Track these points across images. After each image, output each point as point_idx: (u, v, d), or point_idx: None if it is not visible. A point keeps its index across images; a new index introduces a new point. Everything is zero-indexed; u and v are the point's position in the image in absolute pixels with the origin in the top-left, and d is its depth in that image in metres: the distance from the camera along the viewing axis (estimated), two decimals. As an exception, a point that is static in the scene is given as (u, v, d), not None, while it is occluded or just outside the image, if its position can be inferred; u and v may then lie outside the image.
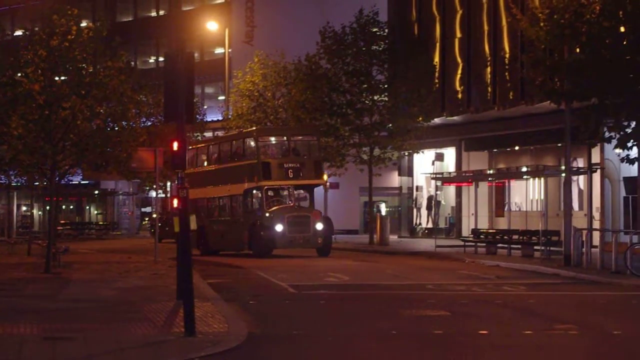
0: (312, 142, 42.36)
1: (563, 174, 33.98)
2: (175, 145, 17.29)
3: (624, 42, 28.18)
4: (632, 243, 28.92)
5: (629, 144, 29.17)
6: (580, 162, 41.81)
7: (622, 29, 28.33)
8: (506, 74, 44.34)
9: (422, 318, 18.64)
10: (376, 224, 48.92)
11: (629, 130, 28.95)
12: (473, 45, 48.18)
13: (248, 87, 57.25)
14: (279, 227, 39.18)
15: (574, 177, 39.91)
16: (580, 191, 43.72)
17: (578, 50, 29.92)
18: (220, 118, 66.28)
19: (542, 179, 38.97)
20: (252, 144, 41.68)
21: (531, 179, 43.02)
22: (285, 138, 42.22)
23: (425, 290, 24.15)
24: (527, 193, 44.93)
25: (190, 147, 47.86)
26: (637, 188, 39.30)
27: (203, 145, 47.99)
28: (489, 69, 46.55)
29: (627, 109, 28.49)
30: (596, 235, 32.60)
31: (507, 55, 44.10)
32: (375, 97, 49.30)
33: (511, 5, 34.66)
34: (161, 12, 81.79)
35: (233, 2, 75.48)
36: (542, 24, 30.34)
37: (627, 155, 29.70)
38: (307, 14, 68.45)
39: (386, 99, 49.15)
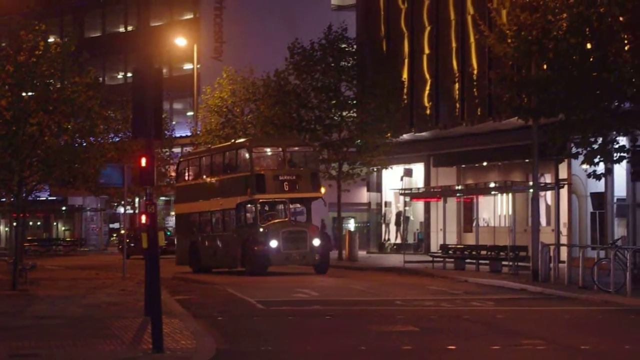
0: (309, 153, 40.93)
1: (531, 190, 34.12)
2: (143, 161, 17.23)
3: (591, 59, 28.36)
4: (599, 258, 29.06)
5: (596, 160, 29.33)
6: (548, 178, 42.01)
7: (589, 46, 28.52)
8: (474, 90, 44.52)
9: (391, 334, 18.64)
10: (345, 240, 48.92)
11: (595, 146, 29.13)
12: (441, 61, 48.38)
13: (217, 102, 57.20)
14: (273, 243, 37.24)
15: (542, 193, 40.10)
16: (547, 207, 43.93)
17: (545, 66, 30.09)
18: (189, 134, 66.16)
19: (510, 194, 39.10)
20: (246, 155, 39.68)
21: (499, 195, 43.19)
22: (280, 149, 40.09)
23: (394, 306, 24.17)
24: (495, 209, 45.08)
25: (181, 159, 47.15)
26: (604, 203, 39.65)
27: (195, 156, 45.92)
28: (457, 85, 46.74)
29: (593, 125, 28.66)
30: (564, 251, 32.74)
31: (475, 72, 44.33)
32: (344, 113, 49.38)
33: (479, 22, 34.83)
34: (129, 28, 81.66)
35: (202, 18, 75.50)
36: (509, 41, 30.50)
37: (594, 171, 29.87)
38: (276, 30, 68.56)
39: (355, 115, 49.26)
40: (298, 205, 40.04)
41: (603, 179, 31.78)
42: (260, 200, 38.32)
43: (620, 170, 34.91)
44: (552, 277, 30.43)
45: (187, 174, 44.72)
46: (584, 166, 30.40)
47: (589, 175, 30.48)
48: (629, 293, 25.40)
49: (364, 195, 60.26)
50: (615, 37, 27.50)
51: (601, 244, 36.81)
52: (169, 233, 62.87)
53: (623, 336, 18.35)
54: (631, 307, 23.42)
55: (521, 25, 29.78)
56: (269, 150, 40.81)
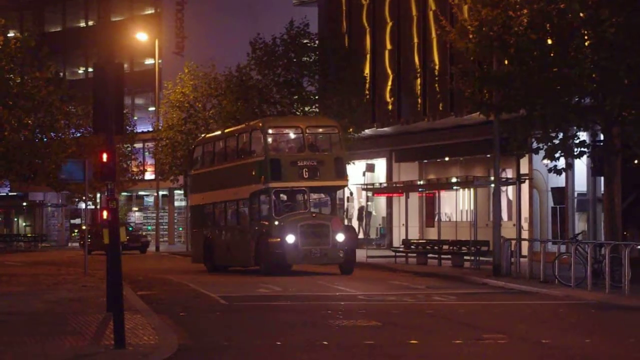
0: (333, 135, 35.77)
1: (492, 185, 34.31)
2: (104, 157, 17.14)
3: (551, 54, 28.52)
4: (559, 252, 29.27)
5: (557, 155, 29.52)
6: (509, 173, 42.26)
7: (549, 42, 28.68)
8: (436, 85, 44.72)
9: (353, 328, 18.67)
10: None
11: (556, 141, 29.31)
12: (403, 57, 48.50)
13: (178, 98, 57.07)
14: (290, 239, 33.05)
15: (503, 188, 40.35)
16: (509, 201, 44.17)
17: (506, 62, 30.24)
18: (151, 129, 65.93)
19: (472, 189, 39.30)
20: (259, 137, 35.00)
21: (461, 190, 43.39)
22: (299, 130, 35.28)
23: (357, 301, 24.21)
24: (457, 203, 45.29)
25: (195, 145, 42.91)
26: (565, 198, 39.91)
27: (208, 141, 41.28)
28: (418, 81, 46.88)
29: (554, 120, 28.84)
30: (525, 245, 32.99)
31: (437, 67, 44.49)
32: (306, 108, 49.35)
33: (440, 17, 34.93)
34: (90, 23, 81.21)
35: (163, 13, 75.20)
36: (471, 36, 30.62)
37: (555, 165, 30.07)
38: (238, 25, 68.41)
39: (317, 110, 49.26)
40: (322, 195, 36.24)
41: (564, 174, 32.00)
42: (276, 189, 34.18)
43: (581, 165, 35.17)
44: (514, 272, 30.62)
45: (200, 161, 40.98)
46: (545, 161, 30.60)
47: (549, 170, 30.67)
48: (589, 287, 25.60)
49: (326, 190, 60.18)
50: (576, 33, 27.68)
51: (562, 238, 37.09)
52: (130, 229, 62.74)
53: (583, 330, 18.49)
54: (591, 301, 23.60)
55: (482, 20, 29.91)
56: (286, 132, 36.37)
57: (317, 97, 49.38)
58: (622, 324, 19.69)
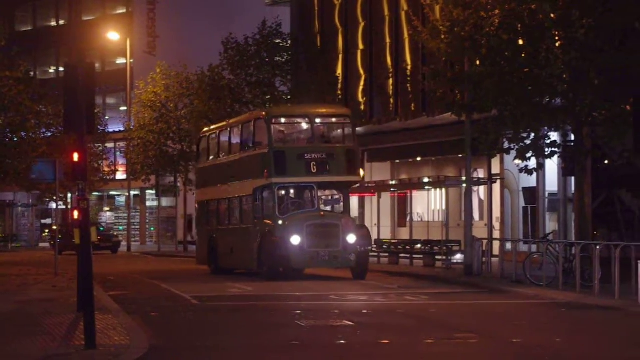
0: (346, 126, 32.89)
1: (464, 185, 34.41)
2: (75, 156, 17.06)
3: (522, 55, 28.62)
4: (530, 252, 29.40)
5: (528, 155, 29.62)
6: (481, 173, 42.39)
7: (521, 42, 28.78)
8: (408, 85, 44.78)
9: (325, 328, 18.67)
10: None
11: (527, 142, 29.42)
12: (375, 57, 48.54)
13: (150, 97, 56.97)
14: (295, 240, 30.40)
15: (475, 188, 40.45)
16: (480, 201, 44.31)
17: (478, 62, 30.33)
18: (123, 129, 65.72)
19: (444, 189, 39.38)
20: (263, 127, 32.15)
21: (433, 190, 43.51)
22: (308, 119, 32.58)
23: (329, 301, 24.21)
24: (429, 203, 45.39)
25: (201, 136, 39.82)
26: (536, 198, 40.07)
27: (214, 132, 38.03)
28: (391, 81, 46.93)
29: (525, 120, 28.93)
30: (496, 245, 33.10)
31: (409, 68, 44.55)
32: (278, 108, 49.31)
33: (412, 18, 35.00)
34: (61, 22, 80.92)
35: (135, 13, 75.02)
36: (443, 37, 30.70)
37: (526, 166, 30.17)
38: (210, 25, 68.30)
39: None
40: (335, 192, 33.50)
41: (535, 174, 32.10)
42: (280, 185, 31.76)
43: (552, 165, 35.31)
44: (485, 272, 30.73)
45: (206, 154, 38.23)
46: (516, 161, 30.70)
47: (521, 170, 30.78)
48: (560, 287, 25.71)
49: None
50: (547, 33, 27.79)
51: (533, 238, 37.22)
52: (101, 229, 62.50)
53: (554, 329, 18.57)
54: (562, 301, 23.70)
55: (454, 21, 29.98)
56: (293, 121, 33.67)
57: (289, 97, 49.37)
58: (592, 323, 19.79)
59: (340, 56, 50.83)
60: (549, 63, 27.33)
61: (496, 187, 41.77)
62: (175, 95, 56.75)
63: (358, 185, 34.95)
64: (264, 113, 33.24)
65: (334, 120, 33.33)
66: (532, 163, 30.44)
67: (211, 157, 37.37)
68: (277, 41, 50.07)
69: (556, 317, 21.01)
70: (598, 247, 24.46)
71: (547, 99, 29.19)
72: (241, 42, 49.43)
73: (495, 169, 41.32)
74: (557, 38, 27.88)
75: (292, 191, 32.55)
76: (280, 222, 30.95)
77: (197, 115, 51.40)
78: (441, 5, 31.17)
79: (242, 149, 34.02)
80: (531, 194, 40.47)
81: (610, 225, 36.20)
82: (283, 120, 33.28)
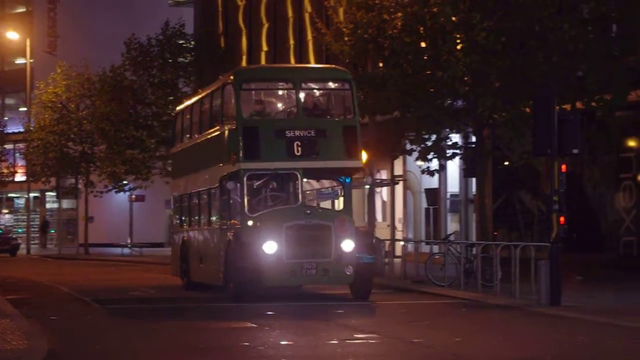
0: (345, 92, 25.00)
1: (367, 186, 34.57)
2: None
3: (424, 57, 28.89)
4: (432, 253, 29.65)
5: (429, 157, 29.91)
6: (384, 174, 42.65)
7: (423, 45, 29.04)
8: (311, 87, 44.83)
9: (230, 330, 18.59)
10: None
11: (429, 143, 29.69)
12: (279, 58, 48.54)
13: (50, 98, 56.20)
14: (269, 247, 22.88)
15: (378, 189, 40.67)
16: (383, 202, 44.57)
17: (381, 65, 30.52)
18: (22, 130, 64.69)
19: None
20: (231, 96, 24.47)
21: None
22: (291, 84, 24.80)
23: (228, 302, 24.09)
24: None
25: (176, 112, 32.69)
26: (438, 199, 40.47)
27: (186, 108, 30.35)
28: (294, 82, 46.88)
29: (427, 122, 29.21)
30: (399, 246, 33.32)
31: (312, 69, 44.65)
32: (182, 110, 49.02)
33: (316, 19, 35.08)
34: (-41, 21, 79.28)
35: (35, 12, 73.89)
36: (346, 39, 30.82)
37: (428, 167, 30.46)
38: (113, 25, 67.62)
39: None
40: (326, 182, 26.17)
41: (437, 175, 32.40)
42: (251, 172, 23.92)
43: (453, 167, 35.71)
44: (388, 272, 30.90)
45: (179, 136, 31.00)
46: (418, 162, 30.97)
47: (423, 172, 31.07)
48: (461, 287, 26.00)
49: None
50: (448, 36, 28.08)
51: (435, 238, 37.56)
52: (0, 231, 61.43)
53: (454, 328, 18.75)
54: (463, 300, 23.95)
55: (357, 23, 30.12)
56: (271, 87, 26.10)
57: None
58: (492, 322, 20.04)
59: (244, 57, 50.75)
60: (451, 65, 27.62)
61: (399, 188, 42.06)
62: (76, 95, 56.04)
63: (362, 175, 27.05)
64: (232, 77, 24.86)
65: (327, 84, 25.72)
66: (434, 164, 30.74)
67: (182, 140, 30.32)
68: (181, 42, 49.83)
69: (457, 316, 21.22)
70: (498, 247, 24.79)
71: (449, 101, 29.50)
72: (144, 43, 49.05)
73: (398, 170, 41.60)
74: (458, 41, 28.19)
75: (267, 181, 24.62)
76: (250, 222, 23.41)
77: (98, 116, 50.86)
78: (344, 8, 31.29)
79: (210, 126, 26.39)
80: (433, 195, 40.86)
81: (510, 226, 36.73)
82: (257, 85, 25.60)
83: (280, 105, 26.28)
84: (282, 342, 16.92)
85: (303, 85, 24.66)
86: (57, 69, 56.72)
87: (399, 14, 28.92)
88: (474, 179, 32.42)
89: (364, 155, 24.94)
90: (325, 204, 27.38)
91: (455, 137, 31.55)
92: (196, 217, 28.27)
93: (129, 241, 58.56)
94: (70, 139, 56.84)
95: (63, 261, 51.22)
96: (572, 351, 15.66)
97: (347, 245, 23.24)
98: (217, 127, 25.30)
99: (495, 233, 33.90)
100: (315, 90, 25.46)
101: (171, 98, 49.03)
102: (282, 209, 24.03)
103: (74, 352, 16.14)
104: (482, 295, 24.36)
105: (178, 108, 32.43)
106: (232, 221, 24.36)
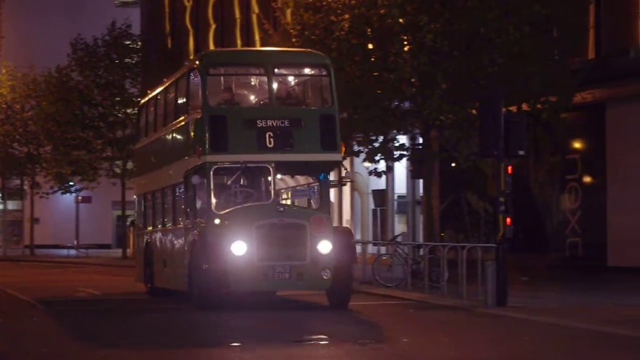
0: (323, 80, 23.09)
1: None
2: None
3: (372, 59, 28.98)
4: (380, 254, 29.75)
5: (377, 158, 30.00)
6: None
7: (370, 46, 29.13)
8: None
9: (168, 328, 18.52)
10: (129, 238, 48.36)
11: (376, 145, 29.79)
12: (226, 59, 48.42)
13: (-5, 99, 55.63)
14: (238, 248, 21.10)
15: (325, 190, 40.69)
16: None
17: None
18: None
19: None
20: (196, 82, 22.71)
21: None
22: (263, 70, 22.82)
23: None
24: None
25: (141, 104, 30.00)
26: (385, 200, 40.63)
27: (151, 98, 27.80)
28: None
29: (375, 123, 29.30)
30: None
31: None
32: (129, 110, 48.86)
33: (263, 21, 35.07)
34: None
35: (-21, 12, 73.12)
36: (293, 40, 30.82)
37: (375, 168, 30.55)
38: (58, 25, 67.17)
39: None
40: (299, 177, 24.35)
41: (384, 177, 32.52)
42: (218, 166, 22.09)
43: (401, 168, 35.85)
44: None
45: (144, 129, 28.72)
46: (366, 164, 31.06)
47: (370, 173, 31.15)
48: (409, 287, 26.11)
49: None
50: (395, 38, 28.20)
51: (382, 240, 37.70)
52: None
53: (402, 329, 18.82)
54: (411, 301, 24.05)
55: (305, 25, 30.14)
56: (241, 72, 24.20)
57: (139, 99, 48.91)
58: (440, 323, 20.13)
59: (191, 58, 50.58)
60: (398, 67, 27.74)
61: (346, 189, 42.16)
62: (21, 96, 55.55)
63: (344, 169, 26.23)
64: (197, 62, 23.10)
65: (303, 70, 23.90)
66: (382, 166, 30.84)
67: (146, 133, 28.17)
68: (127, 42, 49.57)
69: (405, 317, 21.30)
70: (445, 248, 24.93)
71: (396, 103, 29.62)
72: (90, 43, 48.78)
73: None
74: (405, 43, 28.32)
75: (237, 175, 22.81)
76: (216, 220, 21.61)
77: (44, 117, 50.45)
78: (292, 9, 31.31)
79: (175, 116, 24.43)
80: (380, 196, 41.00)
81: (457, 227, 36.96)
82: (227, 70, 23.73)
83: (251, 93, 24.42)
84: (231, 344, 16.87)
85: (276, 70, 22.95)
86: (2, 69, 56.22)
87: (347, 16, 28.99)
88: (421, 181, 32.59)
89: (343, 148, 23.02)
90: (301, 202, 25.77)
91: (403, 139, 31.68)
92: (160, 217, 26.30)
93: (75, 242, 58.13)
94: (15, 139, 56.35)
95: (8, 263, 50.73)
96: (517, 351, 15.79)
97: (324, 246, 21.49)
98: (183, 118, 23.41)
99: (443, 234, 34.13)
100: (289, 77, 23.92)
101: (118, 99, 48.80)
102: (253, 206, 22.14)
103: (19, 355, 15.98)
104: (430, 296, 24.48)
105: (142, 100, 30.06)
106: (198, 220, 22.41)
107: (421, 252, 27.09)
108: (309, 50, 25.83)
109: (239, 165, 22.03)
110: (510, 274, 22.59)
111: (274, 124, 21.84)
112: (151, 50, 50.83)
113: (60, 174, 51.14)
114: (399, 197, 40.57)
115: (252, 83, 24.20)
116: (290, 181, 24.66)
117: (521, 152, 22.23)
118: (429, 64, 27.62)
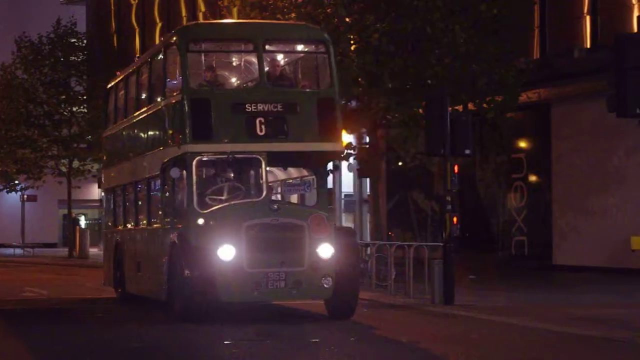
0: (320, 58, 20.00)
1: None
2: None
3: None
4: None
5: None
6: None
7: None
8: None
9: (129, 330, 18.44)
10: (76, 237, 48.07)
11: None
12: (173, 57, 48.29)
13: (-63, 97, 54.90)
14: (225, 252, 18.34)
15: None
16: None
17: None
18: None
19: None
20: (175, 61, 19.52)
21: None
22: (251, 46, 19.63)
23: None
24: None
25: (109, 86, 25.74)
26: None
27: (122, 79, 24.28)
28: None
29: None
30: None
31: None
32: (74, 109, 48.58)
33: (210, 19, 34.93)
34: None
35: None
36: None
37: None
38: (3, 22, 66.48)
39: (85, 110, 48.53)
40: (294, 170, 21.14)
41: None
42: (200, 158, 19.10)
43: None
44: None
45: (113, 115, 25.37)
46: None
47: (317, 172, 31.10)
48: (356, 286, 26.13)
49: (95, 191, 59.40)
50: (342, 37, 28.24)
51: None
52: None
53: (349, 329, 18.85)
54: (360, 300, 24.06)
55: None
56: (227, 49, 20.98)
57: (85, 97, 48.65)
58: (387, 322, 20.19)
59: (137, 56, 50.37)
60: (345, 66, 27.79)
61: (294, 188, 42.09)
62: (-35, 94, 54.92)
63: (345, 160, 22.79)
64: (175, 36, 19.90)
65: (298, 46, 20.63)
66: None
67: (117, 119, 24.79)
68: (73, 40, 49.24)
69: (355, 315, 21.33)
70: (392, 247, 25.02)
71: (343, 102, 29.67)
72: (35, 41, 48.40)
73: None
74: (352, 42, 28.38)
75: (222, 168, 20.08)
76: (200, 220, 18.69)
77: (-12, 116, 49.96)
78: (238, 7, 31.26)
79: (150, 101, 21.27)
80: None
81: (404, 226, 37.14)
82: (210, 45, 20.41)
83: (238, 72, 21.51)
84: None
85: (267, 46, 19.66)
86: (-55, 67, 55.49)
87: (293, 15, 28.99)
88: (368, 179, 32.66)
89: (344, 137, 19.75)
90: (294, 198, 22.57)
91: (350, 138, 31.76)
92: (133, 215, 23.13)
93: (20, 241, 57.64)
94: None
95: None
96: (465, 349, 15.90)
97: (325, 250, 18.78)
98: (159, 101, 20.38)
99: (390, 233, 34.26)
100: (283, 53, 20.49)
101: (63, 97, 48.49)
102: (242, 203, 19.17)
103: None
104: (377, 294, 24.55)
105: (110, 83, 25.64)
106: (178, 219, 19.63)
107: (368, 250, 27.16)
108: (304, 23, 23.46)
109: (225, 157, 18.97)
110: (458, 272, 22.73)
111: (266, 109, 18.79)
112: (97, 48, 50.54)
113: (5, 172, 50.74)
114: (346, 195, 40.64)
115: (240, 61, 21.20)
116: (280, 174, 21.36)
117: (467, 152, 22.39)
118: (375, 64, 27.70)
